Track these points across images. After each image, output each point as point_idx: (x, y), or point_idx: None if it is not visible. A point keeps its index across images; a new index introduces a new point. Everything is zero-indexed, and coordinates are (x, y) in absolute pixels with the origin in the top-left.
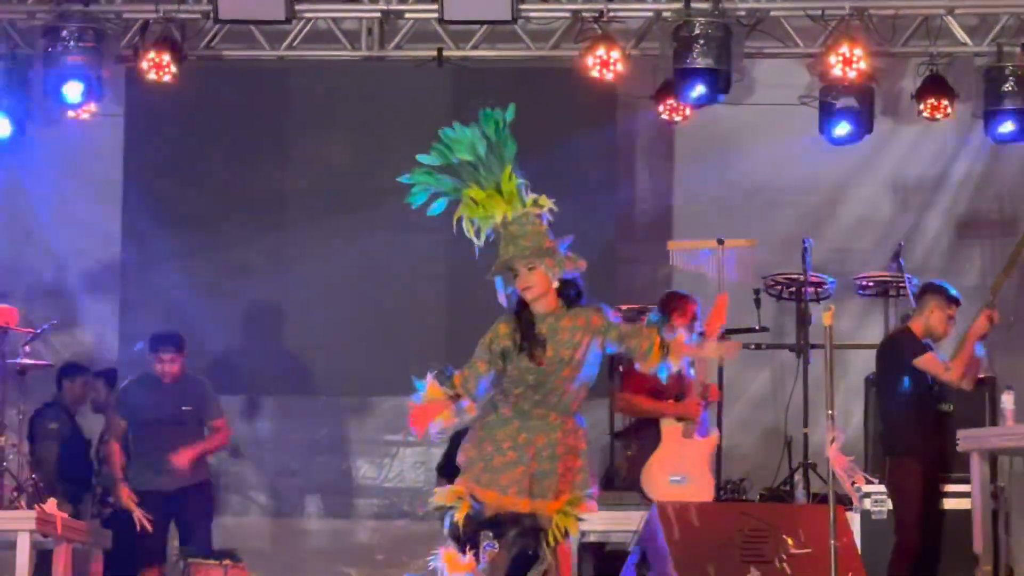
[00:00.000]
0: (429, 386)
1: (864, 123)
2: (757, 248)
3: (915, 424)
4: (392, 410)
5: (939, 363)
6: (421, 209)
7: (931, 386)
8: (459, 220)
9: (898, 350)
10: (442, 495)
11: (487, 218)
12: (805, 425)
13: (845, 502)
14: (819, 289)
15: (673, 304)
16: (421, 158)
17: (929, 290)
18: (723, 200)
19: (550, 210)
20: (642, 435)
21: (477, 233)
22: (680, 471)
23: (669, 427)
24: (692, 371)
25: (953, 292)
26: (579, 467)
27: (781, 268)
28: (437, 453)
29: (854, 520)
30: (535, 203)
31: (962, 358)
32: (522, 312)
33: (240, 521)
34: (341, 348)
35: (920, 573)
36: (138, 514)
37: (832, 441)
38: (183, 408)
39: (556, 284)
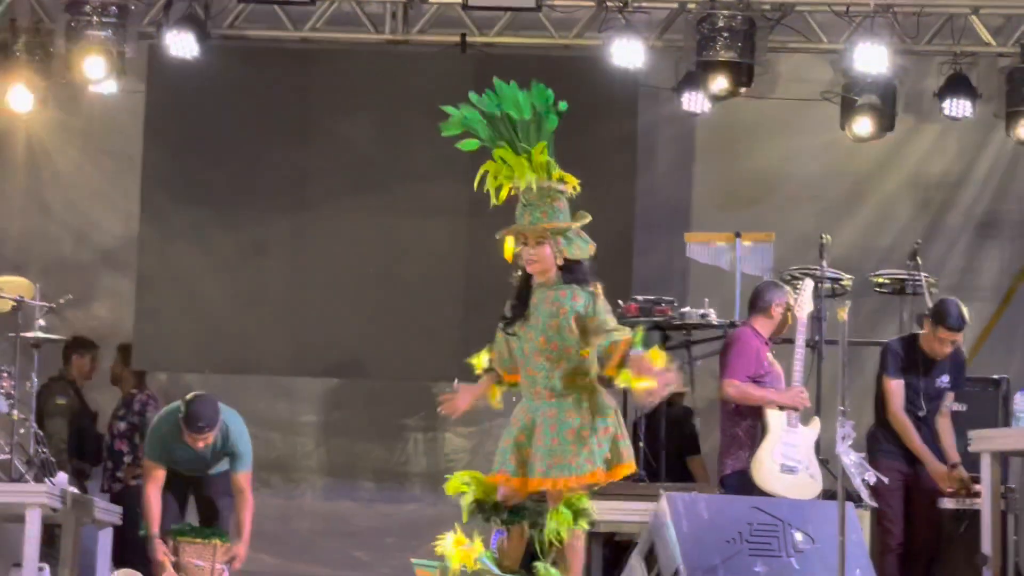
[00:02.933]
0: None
1: (886, 120)
2: (774, 242)
3: (888, 426)
4: (406, 394)
5: (896, 398)
6: (440, 192)
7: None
8: (483, 175)
9: (883, 357)
10: (453, 482)
11: (511, 179)
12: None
13: (855, 499)
14: (835, 285)
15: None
16: (472, 96)
17: (930, 311)
18: (742, 193)
19: (573, 189)
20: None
21: (498, 191)
22: (792, 460)
23: (775, 417)
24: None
25: (946, 317)
26: (574, 447)
27: (798, 263)
28: (450, 438)
29: (864, 517)
30: (561, 179)
31: (913, 443)
32: (523, 282)
33: None
34: (357, 331)
35: (914, 571)
36: (169, 572)
37: (843, 438)
38: (210, 473)
39: (560, 262)
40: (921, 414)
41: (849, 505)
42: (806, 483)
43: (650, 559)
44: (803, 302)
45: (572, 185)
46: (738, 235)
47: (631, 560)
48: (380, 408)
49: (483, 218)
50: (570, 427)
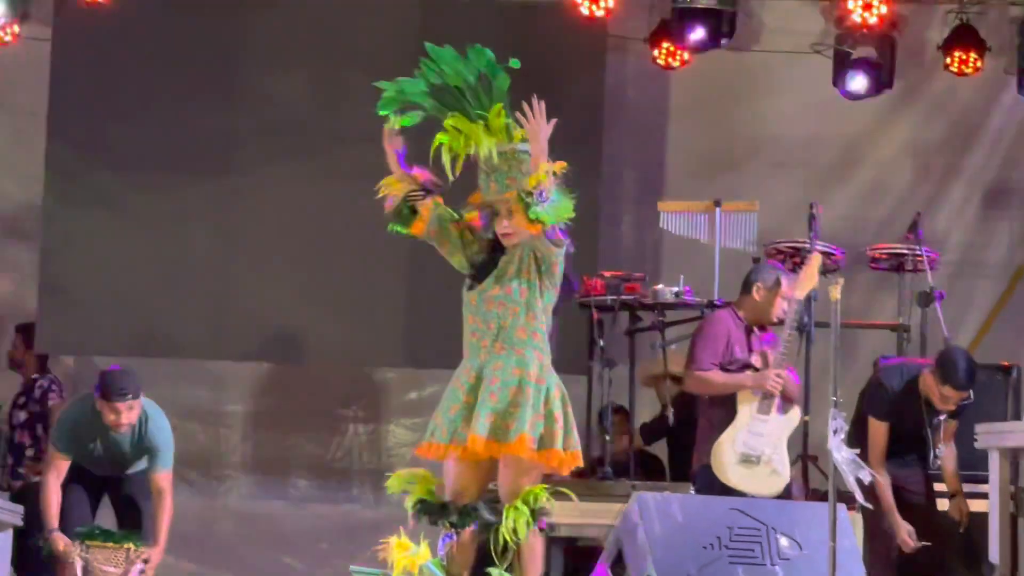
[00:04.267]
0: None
1: (883, 76)
2: (758, 212)
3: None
4: (344, 380)
5: (879, 442)
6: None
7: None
8: (437, 147)
9: (873, 390)
10: (396, 480)
11: (468, 148)
12: (806, 413)
13: (847, 500)
14: (827, 260)
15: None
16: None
17: (935, 361)
18: (722, 158)
19: None
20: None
21: (453, 163)
22: (754, 450)
23: (745, 403)
24: (775, 344)
25: (953, 374)
26: (514, 410)
27: (785, 236)
28: (395, 431)
29: (857, 520)
30: (523, 139)
31: (883, 497)
32: (496, 242)
33: None
34: (289, 310)
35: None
36: (77, 567)
37: (835, 432)
38: (128, 471)
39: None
40: (914, 456)
41: (841, 507)
42: (764, 477)
43: (617, 567)
44: (804, 280)
45: None
46: (718, 204)
47: (596, 569)
48: (315, 396)
49: None
50: (511, 385)
